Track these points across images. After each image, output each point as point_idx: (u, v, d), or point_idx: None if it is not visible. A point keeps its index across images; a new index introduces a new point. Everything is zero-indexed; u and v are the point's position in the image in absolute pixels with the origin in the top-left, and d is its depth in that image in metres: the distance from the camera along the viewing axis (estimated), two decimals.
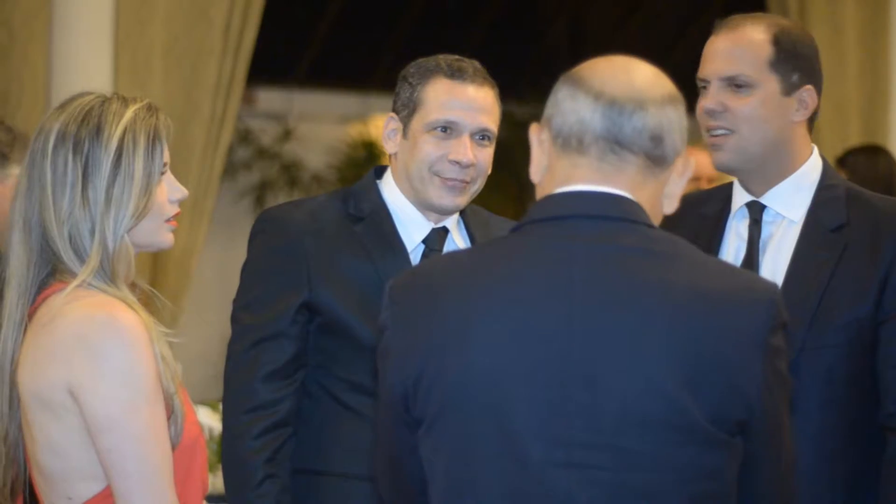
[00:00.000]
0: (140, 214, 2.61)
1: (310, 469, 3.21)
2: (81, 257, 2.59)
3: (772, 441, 2.26)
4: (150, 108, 2.64)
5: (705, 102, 3.11)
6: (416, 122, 3.23)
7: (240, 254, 3.32)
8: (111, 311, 2.54)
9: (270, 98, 9.19)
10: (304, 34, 9.49)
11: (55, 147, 2.60)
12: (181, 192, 2.69)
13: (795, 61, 3.10)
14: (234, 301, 3.27)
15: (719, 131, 3.11)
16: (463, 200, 3.25)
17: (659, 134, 2.24)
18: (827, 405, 3.02)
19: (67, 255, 2.59)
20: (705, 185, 5.23)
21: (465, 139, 3.21)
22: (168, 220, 2.67)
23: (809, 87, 3.11)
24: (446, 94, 3.21)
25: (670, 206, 2.31)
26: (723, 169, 3.16)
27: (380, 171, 3.34)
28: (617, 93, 2.23)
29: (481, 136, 3.23)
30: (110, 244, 2.59)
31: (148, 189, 2.61)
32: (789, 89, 3.10)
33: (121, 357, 2.51)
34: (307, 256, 3.19)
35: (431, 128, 3.21)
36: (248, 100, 8.54)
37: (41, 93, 6.17)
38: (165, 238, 2.68)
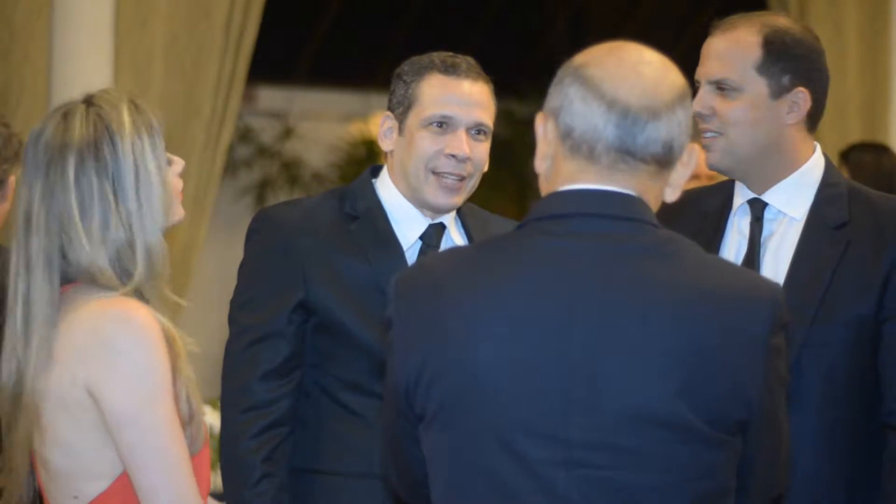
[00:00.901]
0: (167, 206, 2.62)
1: (307, 468, 3.21)
2: (129, 273, 2.58)
3: (770, 440, 2.26)
4: (136, 103, 2.64)
5: (694, 105, 3.11)
6: (412, 119, 3.23)
7: (240, 252, 3.32)
8: (124, 307, 2.55)
9: (271, 96, 9.19)
10: (305, 32, 9.49)
11: (77, 175, 2.57)
12: (180, 164, 2.71)
13: (787, 63, 3.07)
14: (231, 301, 3.27)
15: (709, 133, 3.11)
16: (459, 199, 3.25)
17: (670, 141, 2.24)
18: (828, 403, 3.02)
19: (107, 279, 2.56)
20: (706, 183, 5.22)
21: (461, 133, 3.20)
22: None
23: (802, 89, 3.10)
24: (441, 89, 3.21)
25: (673, 194, 2.30)
26: (715, 169, 3.16)
27: (376, 171, 3.34)
28: (631, 101, 2.21)
29: (477, 130, 3.23)
30: (155, 246, 2.59)
31: (163, 180, 2.63)
32: (779, 92, 3.08)
33: (135, 351, 2.52)
34: (302, 256, 3.19)
35: (427, 123, 3.21)
36: (248, 98, 8.54)
37: (41, 92, 6.15)
38: (180, 213, 2.70)
